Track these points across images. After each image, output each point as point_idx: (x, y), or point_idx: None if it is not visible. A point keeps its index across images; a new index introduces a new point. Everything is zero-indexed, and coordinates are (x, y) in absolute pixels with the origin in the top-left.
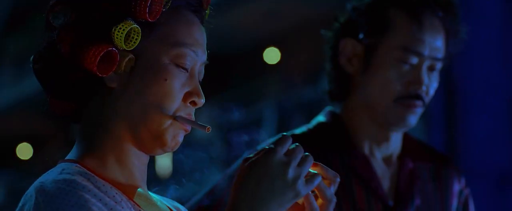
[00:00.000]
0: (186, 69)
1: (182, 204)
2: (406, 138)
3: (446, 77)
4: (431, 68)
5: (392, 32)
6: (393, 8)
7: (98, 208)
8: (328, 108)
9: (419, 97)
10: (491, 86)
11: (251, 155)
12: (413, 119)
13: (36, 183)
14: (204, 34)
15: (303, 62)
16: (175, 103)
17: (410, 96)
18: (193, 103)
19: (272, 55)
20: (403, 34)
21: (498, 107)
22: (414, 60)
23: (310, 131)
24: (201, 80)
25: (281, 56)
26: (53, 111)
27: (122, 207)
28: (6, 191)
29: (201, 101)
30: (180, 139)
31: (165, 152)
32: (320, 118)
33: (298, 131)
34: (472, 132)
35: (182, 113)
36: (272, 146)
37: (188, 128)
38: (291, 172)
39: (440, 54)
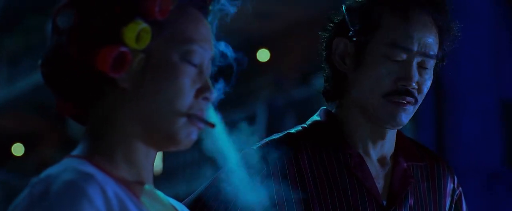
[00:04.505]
0: (195, 66)
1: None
2: (400, 137)
3: (435, 76)
4: (422, 65)
5: (380, 29)
6: (381, 6)
7: None
8: (324, 108)
9: (408, 93)
10: (480, 85)
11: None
12: (404, 117)
13: (43, 174)
14: (209, 29)
15: (294, 63)
16: (187, 101)
17: (399, 92)
18: (205, 98)
19: (262, 57)
20: (391, 31)
21: (487, 106)
22: (403, 56)
23: (305, 129)
24: (209, 75)
25: (272, 57)
26: (60, 113)
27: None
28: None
29: (213, 95)
30: (194, 137)
31: (179, 149)
32: (316, 117)
33: (293, 130)
34: (461, 131)
35: (195, 110)
36: None
37: (202, 126)
38: None
39: (432, 51)
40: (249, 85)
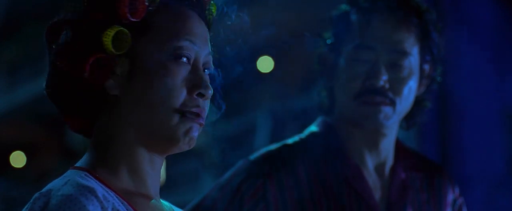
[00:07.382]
0: (187, 62)
1: None
2: (399, 147)
3: (438, 85)
4: (395, 63)
5: (350, 33)
6: (352, 11)
7: None
8: (322, 118)
9: (377, 91)
10: (484, 94)
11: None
12: (380, 116)
13: (45, 188)
14: (203, 26)
15: (296, 71)
16: (179, 98)
17: (368, 91)
18: (201, 95)
19: (265, 64)
20: (356, 33)
21: (491, 116)
22: (370, 56)
23: (302, 140)
24: (211, 70)
25: (274, 65)
26: (72, 130)
27: None
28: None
29: (209, 92)
30: (194, 134)
31: (182, 149)
32: (313, 128)
33: (290, 140)
34: (465, 140)
35: (189, 107)
36: None
37: (201, 121)
38: None
39: (401, 47)
40: (251, 93)
